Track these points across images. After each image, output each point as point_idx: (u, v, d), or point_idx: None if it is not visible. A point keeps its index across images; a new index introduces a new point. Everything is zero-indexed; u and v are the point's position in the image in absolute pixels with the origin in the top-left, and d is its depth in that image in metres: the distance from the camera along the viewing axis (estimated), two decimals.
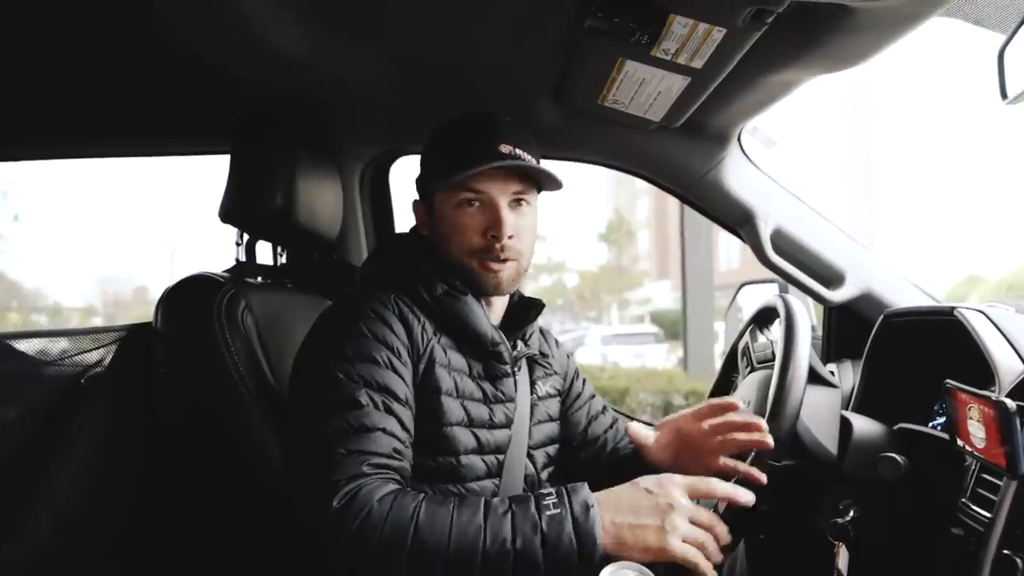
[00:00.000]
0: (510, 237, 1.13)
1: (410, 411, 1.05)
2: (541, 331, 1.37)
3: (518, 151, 1.13)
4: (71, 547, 1.22)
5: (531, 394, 1.26)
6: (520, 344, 1.25)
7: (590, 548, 0.87)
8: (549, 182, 1.18)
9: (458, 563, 0.87)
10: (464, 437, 1.11)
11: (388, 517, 0.89)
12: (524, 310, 1.27)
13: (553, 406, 1.32)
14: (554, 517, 0.89)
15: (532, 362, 1.29)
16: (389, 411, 1.01)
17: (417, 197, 1.24)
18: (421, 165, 1.23)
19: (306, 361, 1.10)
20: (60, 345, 1.24)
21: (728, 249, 21.75)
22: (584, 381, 1.45)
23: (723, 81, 1.25)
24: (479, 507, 0.92)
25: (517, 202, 1.16)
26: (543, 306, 1.29)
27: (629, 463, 1.33)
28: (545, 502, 0.91)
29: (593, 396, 1.45)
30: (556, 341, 1.43)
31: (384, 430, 0.99)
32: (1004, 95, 0.93)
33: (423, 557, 0.88)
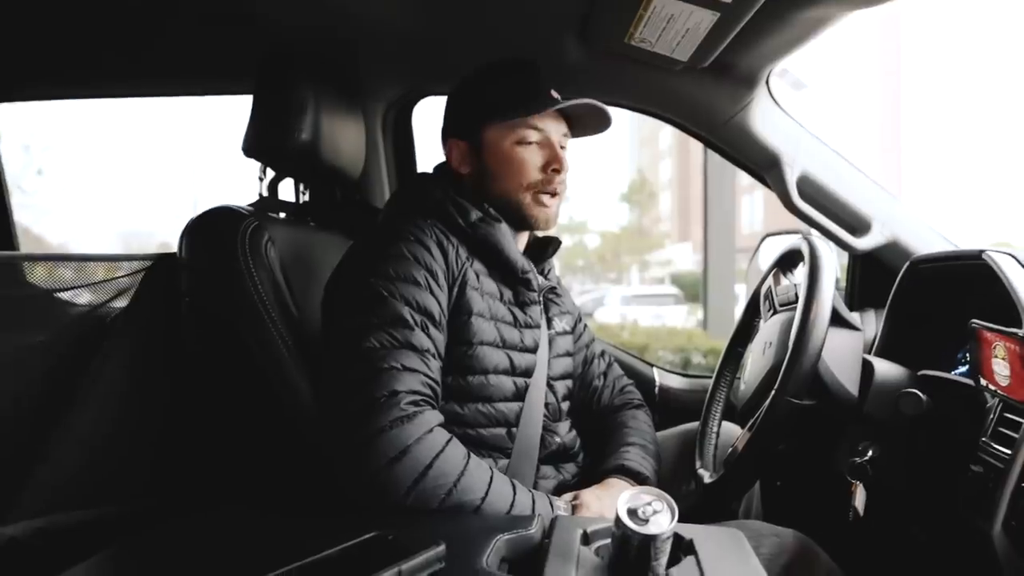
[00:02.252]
0: (565, 170, 1.23)
1: (443, 336, 1.09)
2: None
3: (558, 96, 1.22)
4: (103, 475, 1.25)
5: (548, 329, 1.30)
6: (541, 277, 1.29)
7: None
8: (596, 123, 1.27)
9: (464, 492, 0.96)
10: (496, 357, 1.16)
11: (448, 444, 0.97)
12: (542, 246, 1.34)
13: (568, 342, 1.38)
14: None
15: (547, 300, 1.34)
16: (427, 334, 1.05)
17: (451, 136, 1.27)
18: (462, 104, 1.28)
19: (345, 280, 1.14)
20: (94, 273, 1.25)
21: (751, 212, 21.52)
22: (586, 325, 1.50)
23: (753, 18, 1.22)
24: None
25: (561, 146, 1.24)
26: (560, 243, 1.35)
27: (615, 412, 1.41)
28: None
29: (593, 340, 1.51)
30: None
31: (429, 351, 1.04)
32: None
33: (456, 484, 0.95)
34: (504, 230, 1.20)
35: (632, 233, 29.50)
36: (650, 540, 0.73)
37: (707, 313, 7.71)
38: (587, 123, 1.27)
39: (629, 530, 0.73)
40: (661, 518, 0.74)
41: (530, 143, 1.21)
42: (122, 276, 1.23)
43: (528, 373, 1.21)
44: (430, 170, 1.33)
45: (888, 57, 21.07)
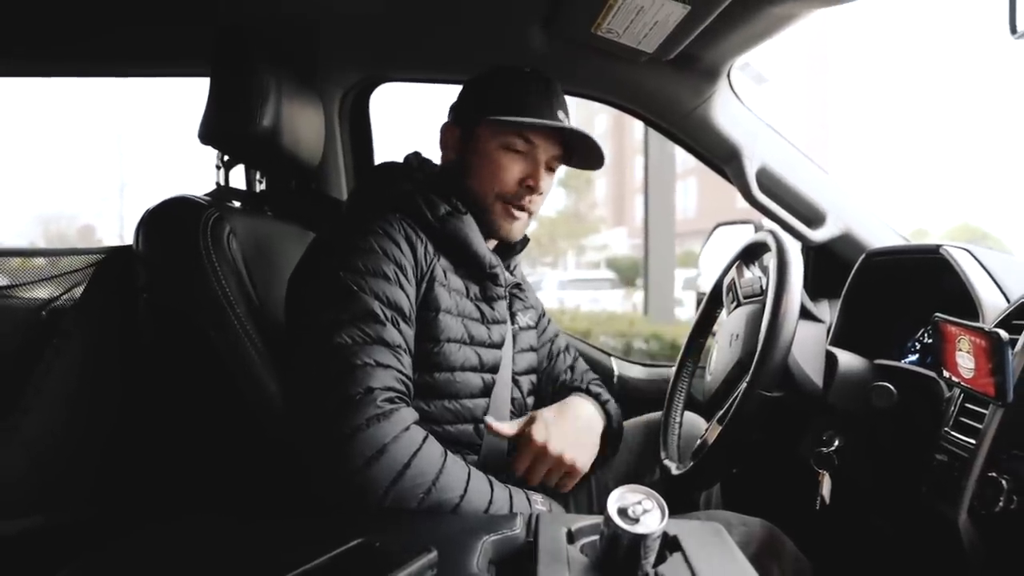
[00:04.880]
0: (539, 194, 1.21)
1: (412, 330, 1.08)
2: None
3: (567, 122, 1.21)
4: (49, 481, 1.19)
5: (512, 324, 1.30)
6: (507, 273, 1.29)
7: None
8: (588, 161, 1.25)
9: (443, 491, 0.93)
10: (464, 354, 1.15)
11: (425, 442, 0.95)
12: (510, 243, 1.31)
13: (532, 337, 1.38)
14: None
15: (511, 295, 1.33)
16: (398, 329, 1.03)
17: (450, 121, 1.26)
18: (470, 92, 1.26)
19: (312, 274, 1.10)
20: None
21: (685, 199, 21.92)
22: (550, 320, 1.51)
23: (721, 12, 1.23)
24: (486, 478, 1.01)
25: (549, 167, 1.23)
26: (527, 241, 1.34)
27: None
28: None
29: (557, 334, 1.50)
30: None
31: (400, 347, 1.02)
32: (1013, 30, 0.93)
33: (435, 483, 0.93)
34: (471, 223, 1.18)
35: (568, 218, 29.58)
36: (640, 539, 0.72)
37: (648, 298, 7.80)
38: (579, 156, 1.25)
39: (620, 529, 0.72)
40: (651, 517, 0.74)
41: (516, 152, 1.18)
42: (71, 271, 1.16)
43: (495, 369, 1.21)
44: (390, 160, 1.30)
45: (815, 52, 21.72)
